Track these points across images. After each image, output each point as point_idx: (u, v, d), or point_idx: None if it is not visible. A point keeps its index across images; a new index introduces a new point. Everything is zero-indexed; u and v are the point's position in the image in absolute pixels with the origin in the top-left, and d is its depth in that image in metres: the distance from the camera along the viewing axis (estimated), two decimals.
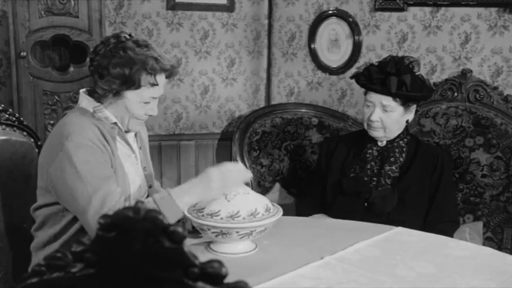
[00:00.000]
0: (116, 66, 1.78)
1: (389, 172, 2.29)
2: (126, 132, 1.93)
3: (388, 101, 2.23)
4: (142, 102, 1.84)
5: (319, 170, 2.48)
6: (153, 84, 1.83)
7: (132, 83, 1.79)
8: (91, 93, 1.90)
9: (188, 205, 1.71)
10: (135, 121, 1.90)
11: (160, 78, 1.85)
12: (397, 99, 2.22)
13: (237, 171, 1.73)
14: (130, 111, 1.85)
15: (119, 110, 1.86)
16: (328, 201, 2.36)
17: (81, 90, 1.93)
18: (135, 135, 2.01)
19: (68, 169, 1.73)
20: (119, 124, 1.88)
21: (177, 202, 1.70)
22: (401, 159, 2.32)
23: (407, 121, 2.31)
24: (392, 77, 2.19)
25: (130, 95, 1.82)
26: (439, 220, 2.24)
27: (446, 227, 2.22)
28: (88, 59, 2.90)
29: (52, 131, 1.90)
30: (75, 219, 1.81)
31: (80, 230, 1.81)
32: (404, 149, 2.33)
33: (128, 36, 1.83)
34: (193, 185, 1.73)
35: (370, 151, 2.34)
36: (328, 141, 2.71)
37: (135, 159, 1.96)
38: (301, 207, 2.48)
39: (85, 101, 1.88)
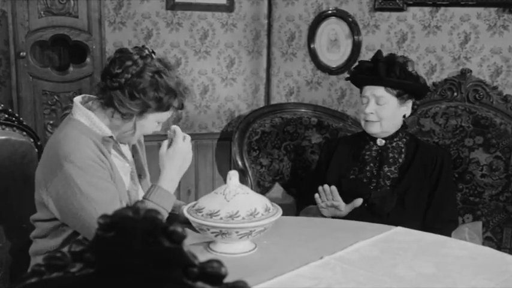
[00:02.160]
0: (153, 91, 1.75)
1: (389, 173, 2.29)
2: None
3: (380, 91, 2.24)
4: (158, 122, 1.85)
5: (319, 171, 2.48)
6: (179, 108, 1.86)
7: (165, 108, 1.80)
8: (102, 104, 1.81)
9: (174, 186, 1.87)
10: (127, 136, 1.86)
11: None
12: (389, 88, 2.23)
13: (182, 143, 1.90)
14: (145, 130, 1.84)
15: (130, 126, 1.81)
16: None
17: (76, 100, 1.85)
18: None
19: (72, 191, 1.69)
20: (114, 138, 1.84)
21: (168, 190, 1.84)
22: (400, 160, 2.31)
23: (404, 116, 2.32)
24: (381, 63, 2.22)
25: (152, 116, 1.80)
26: (437, 219, 2.24)
27: (445, 227, 2.22)
28: (87, 61, 2.95)
29: (47, 146, 1.82)
30: (76, 233, 1.79)
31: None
32: (403, 150, 2.33)
33: (153, 55, 1.79)
34: (167, 170, 1.86)
35: (368, 152, 2.34)
36: (329, 141, 2.71)
37: (129, 168, 1.93)
38: (301, 208, 2.48)
39: (79, 112, 1.81)
